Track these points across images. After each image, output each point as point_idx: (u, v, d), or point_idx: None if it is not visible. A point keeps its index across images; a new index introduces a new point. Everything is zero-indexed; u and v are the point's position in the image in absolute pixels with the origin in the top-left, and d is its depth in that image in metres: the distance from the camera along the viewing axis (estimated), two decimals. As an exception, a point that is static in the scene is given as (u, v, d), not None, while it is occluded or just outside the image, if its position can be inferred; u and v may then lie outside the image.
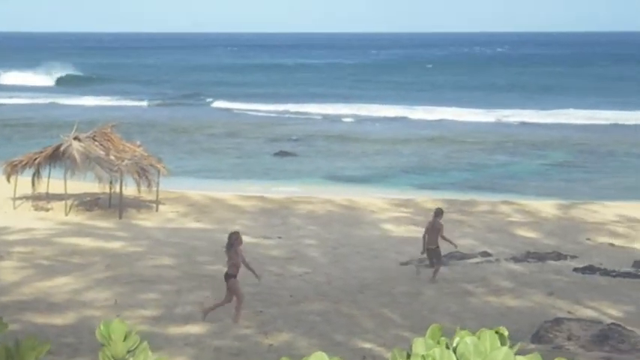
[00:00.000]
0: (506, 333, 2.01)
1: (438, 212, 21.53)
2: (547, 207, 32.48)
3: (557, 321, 14.96)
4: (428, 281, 20.59)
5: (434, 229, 21.10)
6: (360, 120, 67.80)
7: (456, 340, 1.95)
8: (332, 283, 20.49)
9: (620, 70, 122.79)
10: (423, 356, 1.88)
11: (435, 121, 65.90)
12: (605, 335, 13.92)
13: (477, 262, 23.35)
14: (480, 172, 43.68)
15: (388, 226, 28.94)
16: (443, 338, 2.01)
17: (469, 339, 1.93)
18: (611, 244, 26.53)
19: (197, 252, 23.58)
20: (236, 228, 23.02)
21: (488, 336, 1.96)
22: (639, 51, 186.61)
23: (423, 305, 18.31)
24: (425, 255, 21.47)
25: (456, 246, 21.80)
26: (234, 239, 16.87)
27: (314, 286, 20.06)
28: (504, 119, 66.88)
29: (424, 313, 17.59)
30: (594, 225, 29.39)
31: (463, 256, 24.10)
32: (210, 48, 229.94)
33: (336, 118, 68.51)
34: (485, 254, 24.55)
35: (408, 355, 1.97)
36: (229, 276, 16.78)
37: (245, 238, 18.30)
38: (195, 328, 16.16)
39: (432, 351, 1.89)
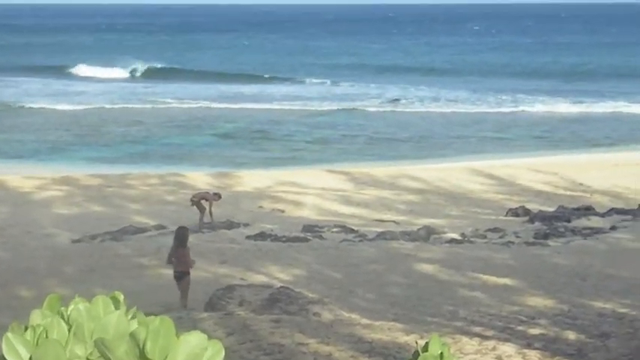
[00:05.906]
0: (121, 297, 1.99)
1: (218, 194, 25.36)
2: (217, 177, 32.98)
3: (230, 288, 15.26)
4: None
5: (203, 195, 25.19)
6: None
7: (71, 307, 1.89)
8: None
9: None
10: (33, 327, 1.82)
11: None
12: (275, 298, 14.37)
13: (151, 236, 23.30)
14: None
15: (57, 204, 28.16)
16: (64, 308, 1.95)
17: (82, 305, 1.88)
18: (282, 211, 27.47)
19: None
20: None
21: (101, 301, 1.93)
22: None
23: (94, 283, 17.97)
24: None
25: (212, 218, 24.72)
26: None
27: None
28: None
29: (97, 290, 17.27)
30: (266, 193, 30.25)
31: (137, 231, 23.96)
32: None
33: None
34: (159, 227, 24.54)
35: (26, 328, 1.89)
36: None
37: None
38: None
39: (45, 321, 1.84)
